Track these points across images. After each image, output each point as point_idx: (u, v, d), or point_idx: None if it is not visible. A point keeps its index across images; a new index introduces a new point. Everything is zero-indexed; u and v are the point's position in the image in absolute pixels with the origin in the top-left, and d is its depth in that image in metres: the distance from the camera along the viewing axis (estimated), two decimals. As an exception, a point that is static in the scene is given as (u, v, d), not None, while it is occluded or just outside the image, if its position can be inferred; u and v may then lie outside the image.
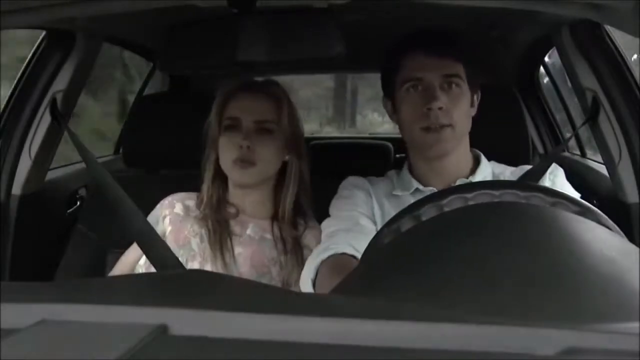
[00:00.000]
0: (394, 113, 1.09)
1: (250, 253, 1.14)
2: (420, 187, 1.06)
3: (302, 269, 1.12)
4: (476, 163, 1.09)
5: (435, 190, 1.02)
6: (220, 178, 1.18)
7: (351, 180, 1.12)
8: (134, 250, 1.20)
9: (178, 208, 1.20)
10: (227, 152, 1.12)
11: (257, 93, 1.14)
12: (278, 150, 1.14)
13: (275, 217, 1.17)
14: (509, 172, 1.10)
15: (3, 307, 0.34)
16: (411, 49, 1.03)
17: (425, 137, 1.02)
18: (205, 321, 0.32)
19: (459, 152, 1.07)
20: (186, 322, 0.32)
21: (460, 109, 1.02)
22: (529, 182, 1.01)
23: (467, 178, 1.06)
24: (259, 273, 1.13)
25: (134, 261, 1.20)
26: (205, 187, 1.18)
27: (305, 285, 0.92)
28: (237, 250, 1.14)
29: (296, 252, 1.14)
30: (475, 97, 1.07)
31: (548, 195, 0.60)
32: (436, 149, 1.02)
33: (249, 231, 1.16)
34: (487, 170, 1.08)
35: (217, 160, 1.16)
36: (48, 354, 0.30)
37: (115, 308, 0.34)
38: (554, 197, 0.60)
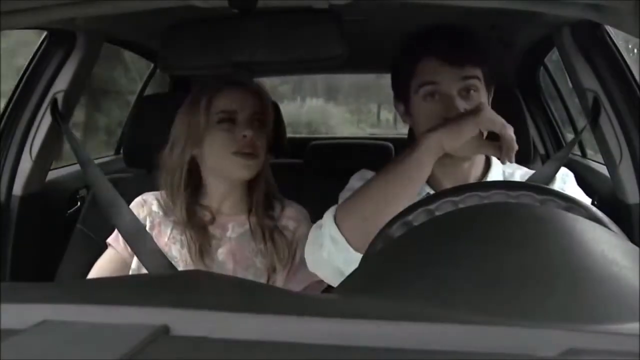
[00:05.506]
0: (407, 116, 1.06)
1: (232, 250, 1.14)
2: (432, 192, 1.03)
3: (285, 251, 1.14)
4: (487, 164, 1.07)
5: None
6: (194, 181, 1.16)
7: (364, 174, 1.10)
8: (103, 261, 1.19)
9: (155, 206, 1.19)
10: (223, 145, 1.10)
11: (246, 88, 1.14)
12: (266, 144, 1.15)
13: (250, 210, 1.18)
14: (518, 176, 1.08)
15: (4, 307, 0.34)
16: (426, 56, 0.98)
17: None
18: (207, 322, 0.32)
19: (476, 156, 1.04)
20: (187, 322, 0.32)
21: None
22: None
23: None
24: (243, 266, 1.13)
25: (111, 269, 1.18)
26: (173, 192, 1.15)
27: (328, 227, 0.91)
28: (219, 250, 1.14)
29: (275, 237, 1.15)
30: (489, 97, 1.04)
31: (562, 200, 0.61)
32: (456, 157, 0.99)
33: (229, 233, 1.16)
34: (498, 173, 1.07)
35: (191, 161, 1.14)
36: (49, 355, 0.30)
37: (117, 308, 0.34)
38: (568, 202, 0.61)
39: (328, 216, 0.93)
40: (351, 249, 0.88)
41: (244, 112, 1.11)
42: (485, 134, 0.91)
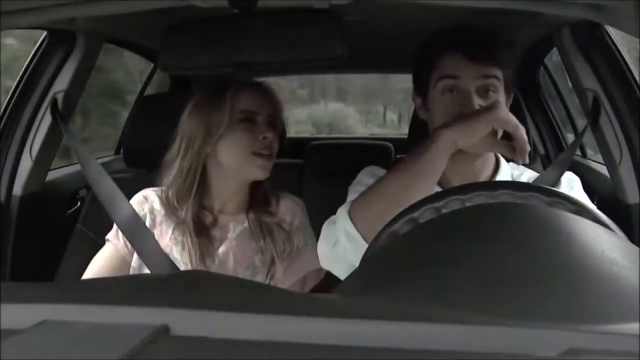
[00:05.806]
0: (425, 110, 1.06)
1: (232, 249, 1.15)
2: (440, 190, 1.04)
3: (286, 243, 1.15)
4: (497, 165, 1.07)
5: None
6: (204, 181, 1.16)
7: (373, 169, 1.10)
8: (102, 258, 1.19)
9: (157, 204, 1.19)
10: (244, 145, 1.11)
11: (263, 89, 1.16)
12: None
13: (249, 208, 1.19)
14: (525, 178, 1.08)
15: (4, 307, 0.34)
16: (449, 50, 0.98)
17: None
18: (207, 322, 0.32)
19: (487, 155, 1.04)
20: (187, 322, 0.32)
21: None
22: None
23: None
24: (243, 265, 1.14)
25: (110, 266, 1.18)
26: (185, 194, 1.15)
27: (343, 223, 0.90)
28: (219, 250, 1.15)
29: (273, 231, 1.16)
30: (508, 102, 1.03)
31: (570, 203, 0.61)
32: (468, 154, 0.98)
33: (230, 234, 1.16)
34: (507, 174, 1.07)
35: (204, 163, 1.14)
36: (49, 355, 0.30)
37: (117, 308, 0.34)
38: (576, 205, 0.60)
39: (342, 212, 0.93)
40: (366, 245, 0.88)
41: (263, 112, 1.13)
42: (500, 133, 0.92)
